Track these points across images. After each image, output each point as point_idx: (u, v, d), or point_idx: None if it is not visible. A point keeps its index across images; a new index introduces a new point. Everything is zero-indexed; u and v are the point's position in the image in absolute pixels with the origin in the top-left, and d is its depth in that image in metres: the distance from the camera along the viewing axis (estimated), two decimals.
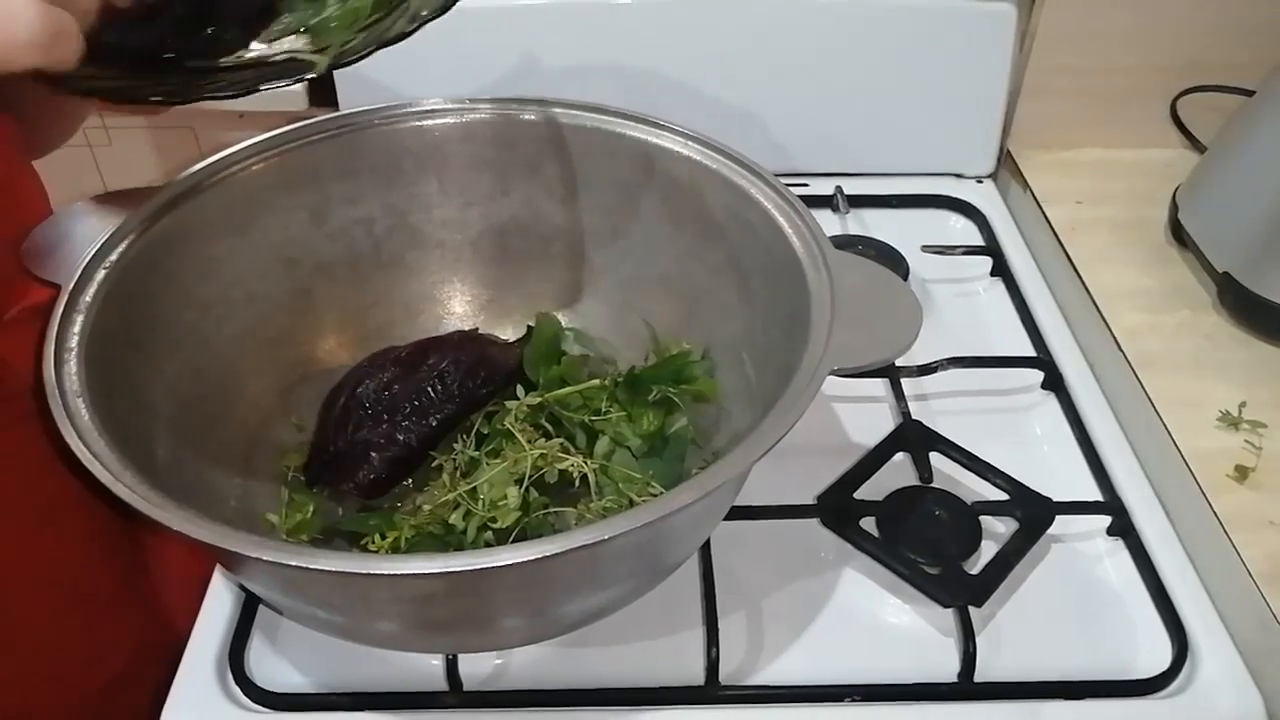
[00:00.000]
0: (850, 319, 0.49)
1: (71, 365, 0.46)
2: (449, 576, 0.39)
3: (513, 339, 0.67)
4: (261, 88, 0.47)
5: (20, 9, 0.38)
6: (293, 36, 0.51)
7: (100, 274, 0.51)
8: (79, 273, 0.50)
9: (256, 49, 0.51)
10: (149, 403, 0.52)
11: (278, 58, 0.50)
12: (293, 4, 0.52)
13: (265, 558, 0.38)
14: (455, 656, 0.52)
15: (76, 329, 0.48)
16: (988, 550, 0.58)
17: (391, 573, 0.38)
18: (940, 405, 0.68)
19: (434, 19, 0.49)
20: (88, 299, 0.50)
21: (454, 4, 0.50)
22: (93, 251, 0.51)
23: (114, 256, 0.52)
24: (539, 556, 0.38)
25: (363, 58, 0.48)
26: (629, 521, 0.40)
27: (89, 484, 0.41)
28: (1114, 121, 0.85)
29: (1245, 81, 0.80)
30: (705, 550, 0.57)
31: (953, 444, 0.63)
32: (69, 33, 0.40)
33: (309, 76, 0.48)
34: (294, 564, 0.38)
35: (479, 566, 0.38)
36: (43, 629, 0.56)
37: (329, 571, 0.38)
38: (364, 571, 0.38)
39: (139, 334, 0.53)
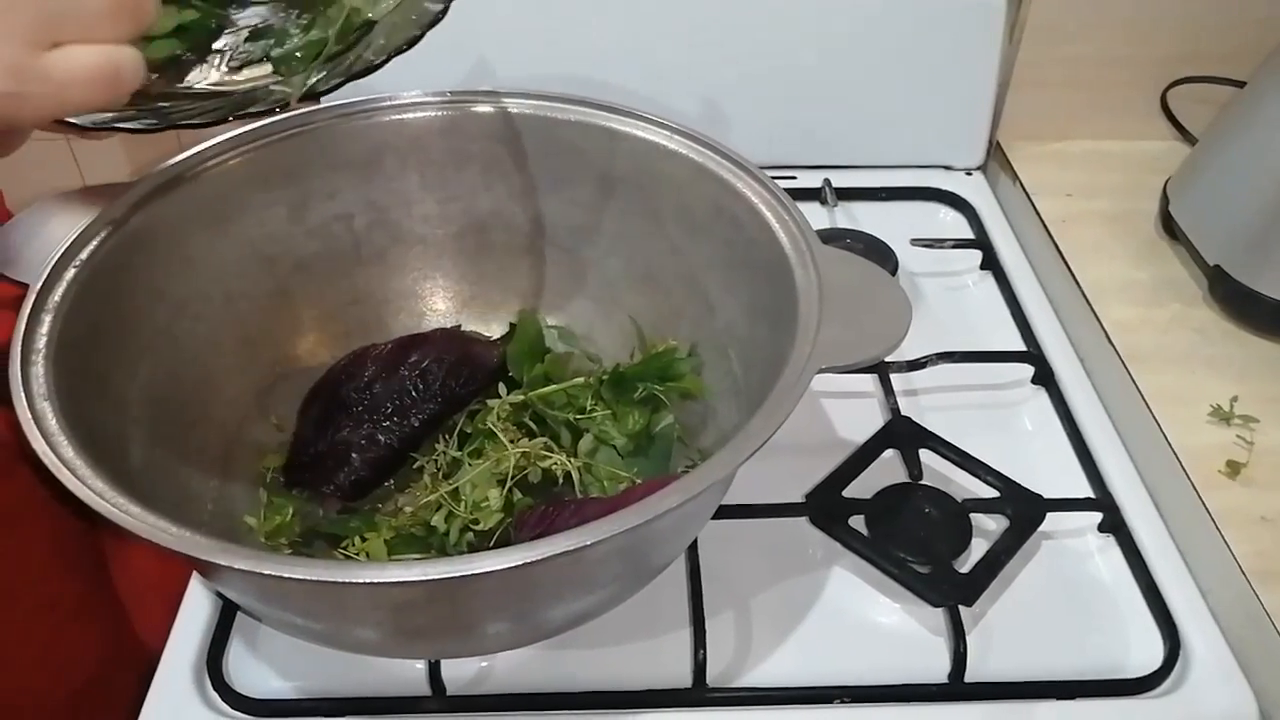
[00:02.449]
0: (838, 316, 0.48)
1: (39, 367, 0.45)
2: (428, 584, 0.38)
3: (495, 336, 0.66)
4: (231, 118, 0.48)
5: None
6: (256, 66, 0.52)
7: (70, 273, 0.49)
8: (47, 272, 0.49)
9: (218, 77, 0.51)
10: (121, 405, 0.51)
11: (243, 86, 0.51)
12: (256, 32, 0.53)
13: (237, 566, 0.37)
14: (438, 661, 0.51)
15: (45, 330, 0.47)
16: (978, 548, 0.57)
17: (369, 581, 0.37)
18: (929, 401, 0.68)
19: (403, 52, 0.50)
20: (56, 299, 0.48)
21: (422, 37, 0.50)
22: (62, 250, 0.50)
23: (84, 255, 0.51)
24: (521, 563, 0.37)
25: (332, 90, 0.50)
26: (613, 525, 0.39)
27: (58, 490, 0.40)
28: (1104, 113, 0.85)
29: (1236, 73, 0.80)
30: (692, 550, 0.56)
31: (942, 440, 0.63)
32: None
33: (279, 108, 0.49)
34: (267, 573, 0.37)
35: (459, 574, 0.37)
36: (6, 638, 0.54)
37: (304, 580, 0.37)
38: (340, 580, 0.37)
39: (111, 334, 0.52)
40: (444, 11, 0.52)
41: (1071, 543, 0.59)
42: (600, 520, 0.39)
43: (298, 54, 0.51)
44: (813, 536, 0.59)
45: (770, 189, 0.55)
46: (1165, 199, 0.75)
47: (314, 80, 0.50)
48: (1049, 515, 0.59)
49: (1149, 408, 0.63)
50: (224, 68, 0.51)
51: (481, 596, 0.44)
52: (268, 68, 0.51)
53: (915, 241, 0.78)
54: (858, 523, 0.58)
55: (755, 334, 0.55)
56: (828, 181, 0.84)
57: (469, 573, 0.37)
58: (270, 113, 0.52)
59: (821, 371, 0.46)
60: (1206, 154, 0.73)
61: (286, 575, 0.37)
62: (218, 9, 0.53)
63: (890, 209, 0.83)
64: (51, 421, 0.43)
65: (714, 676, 0.52)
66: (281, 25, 0.53)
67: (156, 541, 0.38)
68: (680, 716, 0.51)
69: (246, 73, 0.51)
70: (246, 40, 0.53)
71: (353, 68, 0.50)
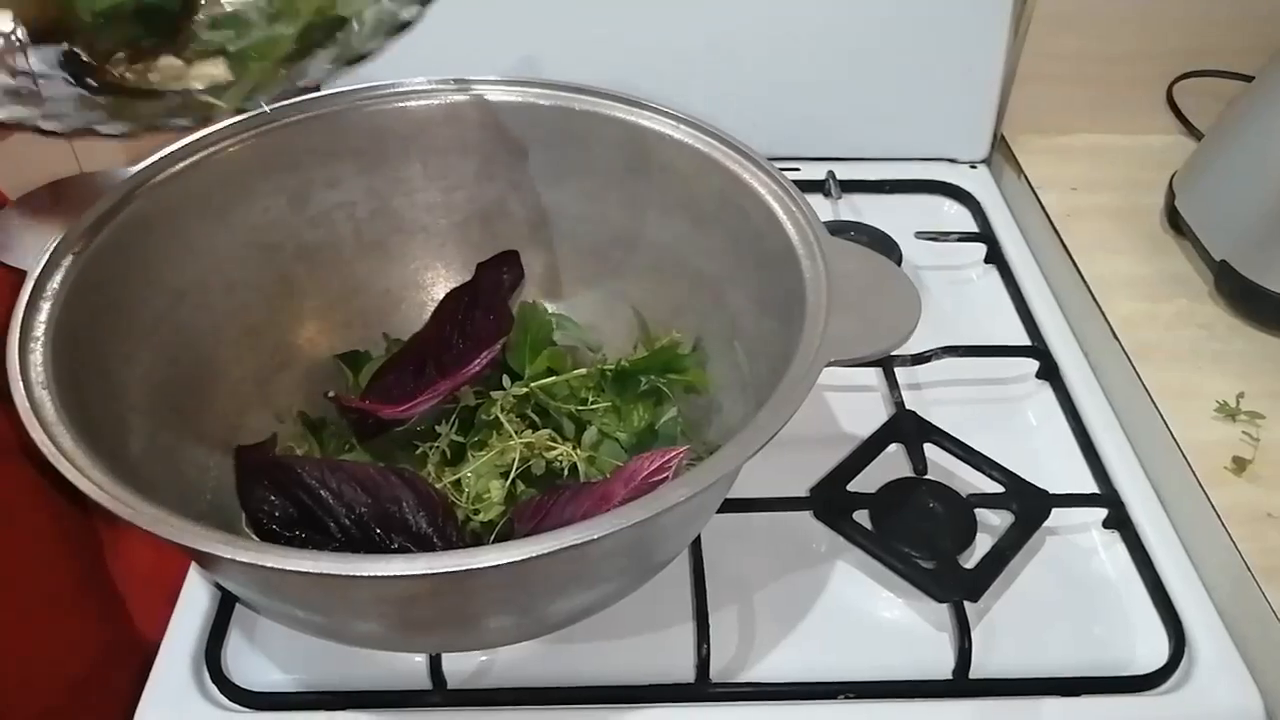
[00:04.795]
0: (846, 308, 0.48)
1: (37, 355, 0.45)
2: (431, 578, 0.37)
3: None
4: (162, 123, 0.44)
5: None
6: (213, 61, 0.48)
7: (68, 259, 0.49)
8: (46, 258, 0.48)
9: (171, 65, 0.47)
10: (121, 393, 0.50)
11: (192, 85, 0.47)
12: (220, 19, 0.48)
13: (238, 558, 0.37)
14: (439, 654, 0.51)
15: (43, 317, 0.46)
16: (983, 544, 0.57)
17: (371, 574, 0.37)
18: (934, 395, 0.67)
19: (360, 61, 0.47)
20: (55, 285, 0.48)
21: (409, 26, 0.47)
22: (61, 236, 0.49)
23: (83, 241, 0.50)
24: (525, 557, 0.37)
25: (277, 99, 0.46)
26: (618, 520, 0.38)
27: (54, 479, 0.40)
28: (1110, 107, 0.84)
29: (1243, 67, 0.79)
30: (696, 544, 0.56)
31: (947, 435, 0.62)
32: None
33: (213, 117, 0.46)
34: (269, 565, 0.37)
35: (462, 567, 0.37)
36: (2, 629, 0.54)
37: (305, 573, 0.37)
38: (342, 573, 0.37)
39: (110, 322, 0.51)
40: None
41: (1076, 538, 0.59)
42: (605, 515, 0.38)
43: (252, 53, 0.46)
44: (817, 531, 0.59)
45: (777, 180, 0.55)
46: (1171, 194, 0.74)
47: (251, 99, 0.45)
48: (1054, 511, 0.58)
49: (1154, 403, 0.62)
50: (181, 57, 0.46)
51: (485, 590, 0.43)
52: (223, 65, 0.47)
53: (919, 235, 0.77)
54: (862, 517, 0.58)
55: (762, 326, 0.55)
56: (832, 174, 0.83)
57: (472, 567, 0.37)
58: (189, 130, 0.47)
59: (830, 365, 0.45)
60: (1213, 149, 0.72)
61: (288, 568, 0.37)
62: None
63: (894, 202, 0.83)
64: (50, 410, 0.42)
65: (717, 671, 0.52)
66: (247, 14, 0.47)
67: (157, 533, 0.38)
68: (683, 711, 0.51)
69: (200, 68, 0.47)
70: (209, 28, 0.47)
71: (302, 75, 0.46)
